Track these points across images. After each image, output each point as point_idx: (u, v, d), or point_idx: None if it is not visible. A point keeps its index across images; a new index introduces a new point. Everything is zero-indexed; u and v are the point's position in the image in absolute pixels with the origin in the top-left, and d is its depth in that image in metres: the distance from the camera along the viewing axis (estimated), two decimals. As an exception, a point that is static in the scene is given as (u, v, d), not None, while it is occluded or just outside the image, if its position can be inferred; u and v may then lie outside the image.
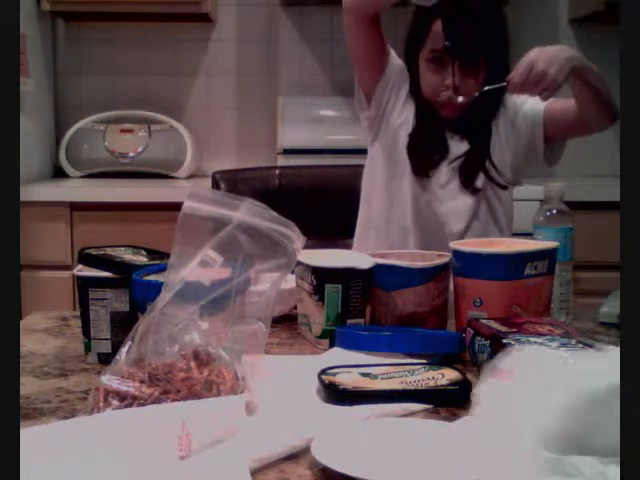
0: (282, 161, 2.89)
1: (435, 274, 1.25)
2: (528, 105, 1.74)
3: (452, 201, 1.73)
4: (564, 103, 1.70)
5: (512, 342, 0.99)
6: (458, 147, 1.74)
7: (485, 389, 0.85)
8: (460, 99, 1.65)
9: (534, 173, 1.89)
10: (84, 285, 1.12)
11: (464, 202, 1.73)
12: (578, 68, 1.53)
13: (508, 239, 1.39)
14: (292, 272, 1.24)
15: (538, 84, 1.48)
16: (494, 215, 1.76)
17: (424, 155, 1.74)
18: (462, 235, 1.70)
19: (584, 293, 1.55)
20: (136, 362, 0.85)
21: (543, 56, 1.49)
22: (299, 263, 1.22)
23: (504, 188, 1.75)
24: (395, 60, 1.76)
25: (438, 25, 1.64)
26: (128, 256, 1.16)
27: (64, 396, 0.98)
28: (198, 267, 0.89)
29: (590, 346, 0.98)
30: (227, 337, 0.90)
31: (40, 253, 2.61)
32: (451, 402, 0.95)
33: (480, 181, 1.72)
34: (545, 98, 1.54)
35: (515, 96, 1.72)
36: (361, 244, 1.82)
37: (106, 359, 1.05)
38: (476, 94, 1.64)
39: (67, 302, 2.52)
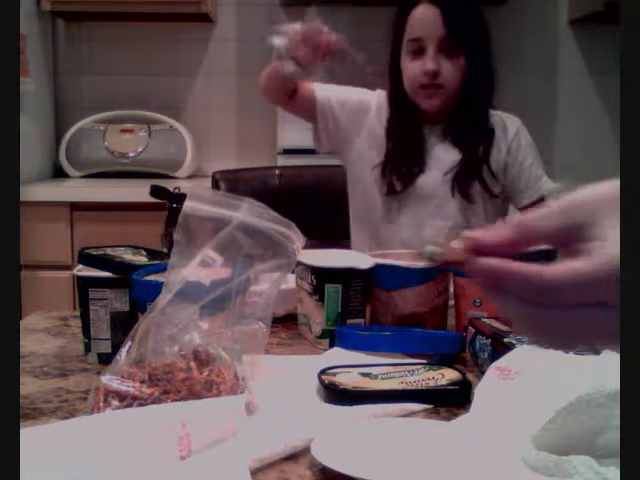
0: (282, 161, 2.88)
1: (435, 274, 1.25)
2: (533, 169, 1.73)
3: (439, 212, 1.70)
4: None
5: (513, 341, 0.99)
6: (449, 154, 1.71)
7: (485, 389, 0.85)
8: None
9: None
10: (84, 285, 1.12)
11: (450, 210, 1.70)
12: None
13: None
14: (292, 272, 1.24)
15: None
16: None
17: (402, 168, 1.71)
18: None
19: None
20: (136, 362, 0.85)
21: None
22: (299, 263, 1.22)
23: (495, 197, 1.71)
24: (342, 105, 1.77)
25: (417, 13, 1.66)
26: (128, 256, 1.16)
27: (64, 396, 0.98)
28: (198, 267, 0.89)
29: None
30: (227, 337, 0.90)
31: (40, 253, 2.61)
32: (451, 402, 0.95)
33: (475, 191, 1.69)
34: None
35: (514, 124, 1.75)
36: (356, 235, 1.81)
37: (106, 359, 1.04)
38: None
39: (67, 302, 2.53)
